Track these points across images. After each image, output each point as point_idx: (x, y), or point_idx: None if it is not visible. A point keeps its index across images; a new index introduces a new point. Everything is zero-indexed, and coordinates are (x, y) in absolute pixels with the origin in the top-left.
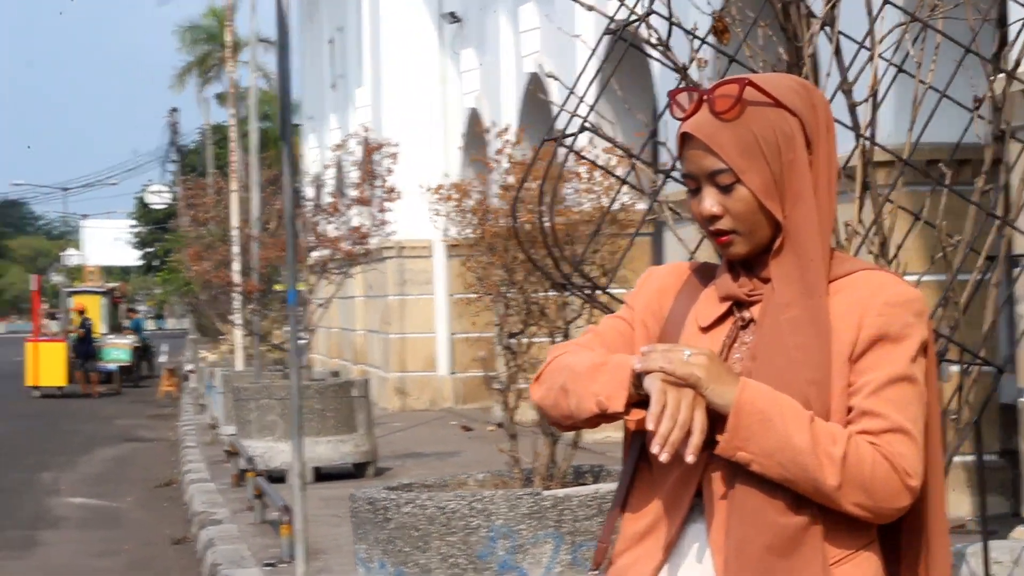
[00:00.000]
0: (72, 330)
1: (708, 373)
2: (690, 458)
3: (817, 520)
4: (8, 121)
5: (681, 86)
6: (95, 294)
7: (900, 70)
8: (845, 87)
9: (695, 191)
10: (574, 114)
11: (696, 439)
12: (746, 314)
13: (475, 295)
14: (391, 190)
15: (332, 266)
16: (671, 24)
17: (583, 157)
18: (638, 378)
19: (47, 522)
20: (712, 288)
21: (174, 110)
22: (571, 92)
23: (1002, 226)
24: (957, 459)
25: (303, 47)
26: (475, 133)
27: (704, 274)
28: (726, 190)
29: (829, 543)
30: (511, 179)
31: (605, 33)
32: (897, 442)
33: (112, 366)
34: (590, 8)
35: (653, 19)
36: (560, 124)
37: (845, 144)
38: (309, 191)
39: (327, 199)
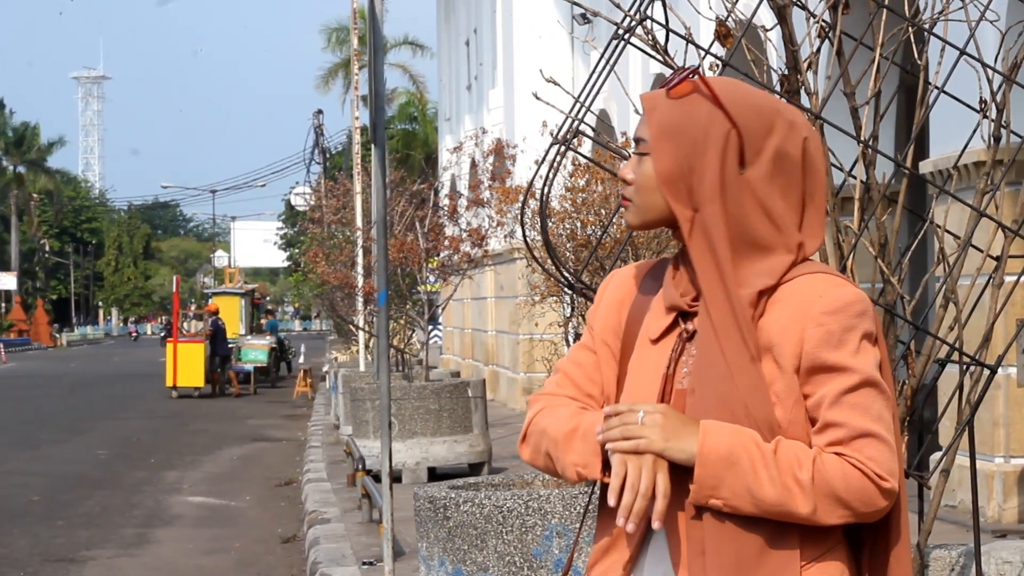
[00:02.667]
0: (207, 331)
1: (664, 433)
2: (656, 525)
3: (781, 529)
4: (158, 124)
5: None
6: (234, 295)
7: (906, 71)
8: (847, 89)
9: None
10: (574, 118)
11: (659, 505)
12: (690, 326)
13: (539, 297)
14: (508, 191)
15: (452, 268)
16: (668, 30)
17: (585, 157)
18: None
19: (162, 520)
20: (661, 294)
21: (319, 112)
22: (576, 99)
23: (1002, 227)
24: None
25: (440, 48)
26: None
27: (659, 276)
28: (641, 158)
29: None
30: (581, 182)
31: (612, 38)
32: (866, 447)
33: (249, 367)
34: (595, 14)
35: (656, 20)
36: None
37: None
38: (439, 192)
39: (447, 200)
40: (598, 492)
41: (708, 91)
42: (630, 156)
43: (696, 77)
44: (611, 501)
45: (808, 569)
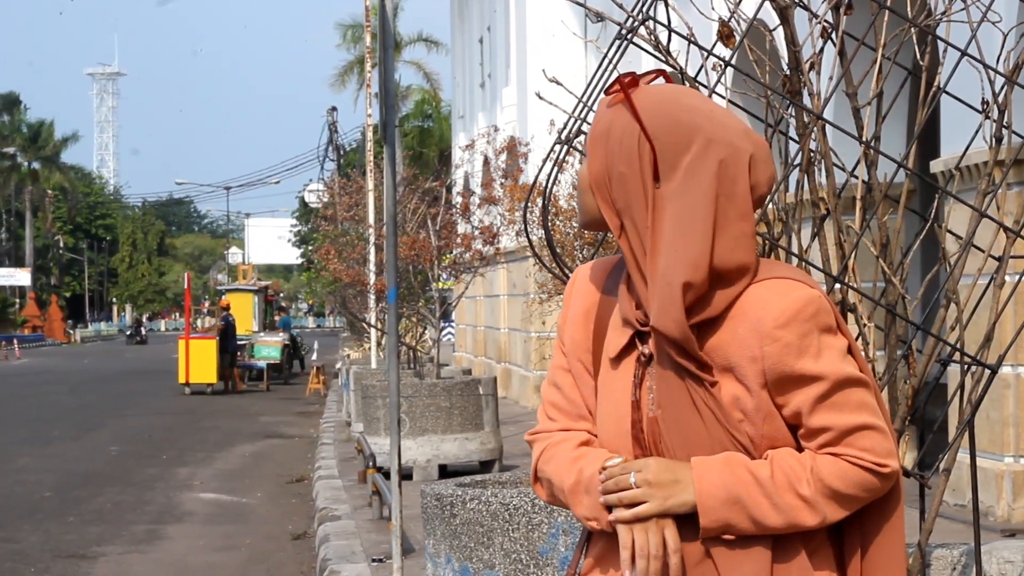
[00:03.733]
0: (218, 327)
1: (662, 493)
2: None
3: (785, 539)
4: (172, 121)
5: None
6: (248, 292)
7: (909, 72)
8: (849, 90)
9: None
10: (576, 118)
11: (674, 561)
12: (646, 349)
13: (545, 295)
14: (519, 189)
15: (464, 265)
16: (670, 31)
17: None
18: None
19: (174, 516)
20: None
21: (333, 109)
22: (579, 99)
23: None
24: None
25: (454, 46)
26: None
27: (618, 279)
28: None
29: (777, 551)
30: None
31: (616, 38)
32: (857, 440)
33: (262, 363)
34: (599, 15)
35: (658, 20)
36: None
37: None
38: (451, 190)
39: (459, 198)
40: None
41: (628, 101)
42: None
43: (628, 85)
44: (625, 572)
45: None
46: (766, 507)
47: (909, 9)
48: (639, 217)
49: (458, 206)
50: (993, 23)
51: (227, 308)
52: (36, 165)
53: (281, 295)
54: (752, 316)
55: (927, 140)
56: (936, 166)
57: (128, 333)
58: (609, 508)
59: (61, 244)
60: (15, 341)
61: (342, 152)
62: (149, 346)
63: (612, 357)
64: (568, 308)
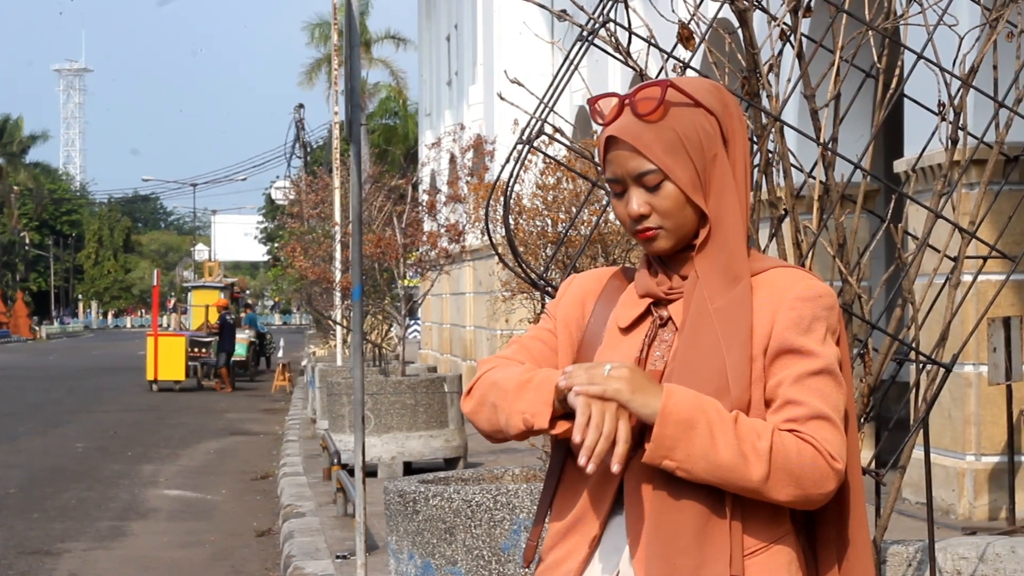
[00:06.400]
0: (211, 327)
1: (630, 385)
2: (615, 468)
3: (732, 514)
4: (139, 118)
5: (600, 93)
6: (214, 289)
7: (867, 75)
8: (807, 92)
9: (619, 194)
10: (538, 119)
11: (620, 449)
12: (664, 312)
13: (508, 293)
14: (484, 187)
15: (429, 263)
16: (630, 33)
17: (552, 159)
18: (562, 394)
19: (138, 513)
20: (631, 289)
21: (300, 106)
22: (540, 100)
23: (958, 229)
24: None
25: (421, 44)
26: (584, 131)
27: (623, 278)
28: (654, 189)
29: (744, 536)
30: (551, 179)
31: (577, 40)
32: (821, 428)
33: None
34: (562, 15)
35: (619, 23)
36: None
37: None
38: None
39: (425, 196)
40: (555, 475)
41: (687, 95)
42: (626, 193)
43: (662, 87)
44: (576, 437)
45: (756, 556)
46: (720, 444)
47: (867, 12)
48: (727, 189)
49: (424, 204)
50: (950, 26)
51: (226, 308)
52: (1, 161)
53: (247, 292)
54: (776, 287)
55: (893, 140)
56: (899, 166)
57: None
58: (555, 418)
59: (27, 240)
60: None
61: (309, 149)
62: (117, 342)
63: (623, 326)
64: (563, 294)
